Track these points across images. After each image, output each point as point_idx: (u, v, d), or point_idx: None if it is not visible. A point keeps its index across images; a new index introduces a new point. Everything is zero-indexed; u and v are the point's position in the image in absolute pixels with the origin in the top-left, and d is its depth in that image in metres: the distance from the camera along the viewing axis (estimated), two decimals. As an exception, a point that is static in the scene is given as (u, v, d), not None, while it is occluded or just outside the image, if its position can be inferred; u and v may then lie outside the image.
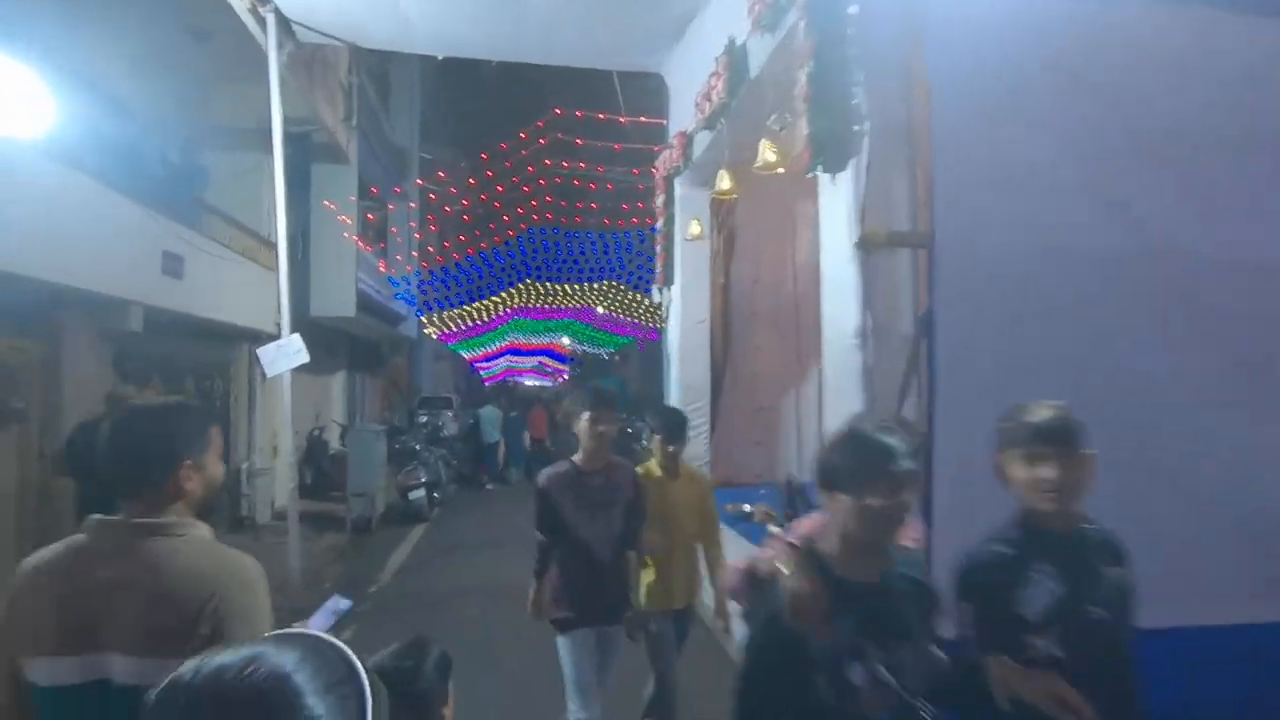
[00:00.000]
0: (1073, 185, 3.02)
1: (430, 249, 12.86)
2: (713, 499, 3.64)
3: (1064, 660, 1.63)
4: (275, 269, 7.29)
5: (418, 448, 10.93)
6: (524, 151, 8.47)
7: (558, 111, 7.79)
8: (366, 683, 0.65)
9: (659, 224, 6.85)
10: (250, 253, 8.30)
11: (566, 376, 34.78)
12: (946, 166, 2.94)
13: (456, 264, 12.40)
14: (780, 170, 4.21)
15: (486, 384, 31.25)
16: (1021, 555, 1.77)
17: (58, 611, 1.28)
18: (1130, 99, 3.20)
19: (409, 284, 13.33)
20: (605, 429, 2.94)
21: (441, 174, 13.58)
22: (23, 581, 1.34)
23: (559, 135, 8.55)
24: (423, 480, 9.56)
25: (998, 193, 2.97)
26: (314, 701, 0.59)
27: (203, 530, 1.40)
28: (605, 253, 13.90)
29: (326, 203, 9.25)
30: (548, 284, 15.63)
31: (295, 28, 6.22)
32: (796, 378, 7.26)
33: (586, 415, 2.90)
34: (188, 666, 0.60)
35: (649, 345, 24.75)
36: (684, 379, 6.61)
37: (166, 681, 0.60)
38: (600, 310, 19.66)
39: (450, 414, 15.88)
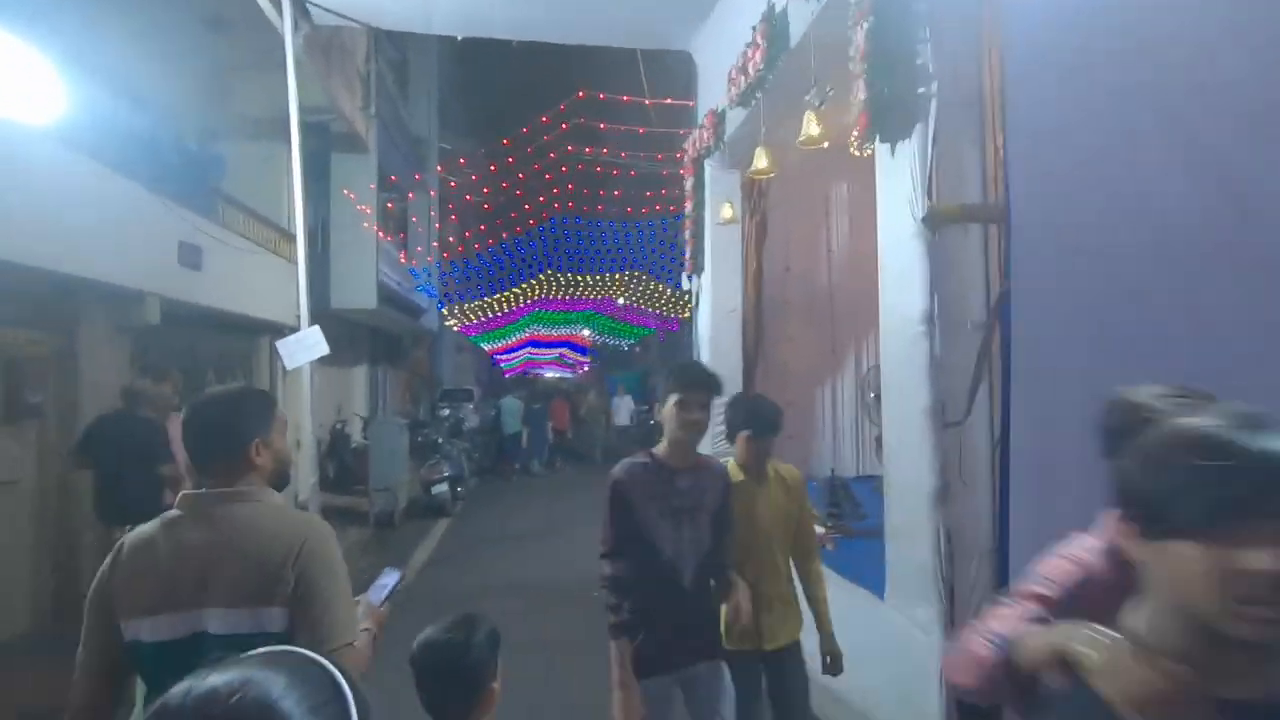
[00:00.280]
0: (1163, 152, 2.71)
1: (451, 239, 12.70)
2: (809, 504, 2.92)
3: None
4: (295, 261, 7.16)
5: (440, 441, 10.79)
6: (546, 137, 8.21)
7: (580, 95, 7.52)
8: (352, 702, 0.67)
9: (688, 208, 6.57)
10: (270, 244, 8.17)
11: (587, 368, 34.68)
12: (1021, 132, 2.64)
13: (477, 254, 12.23)
14: (825, 144, 3.92)
15: (507, 376, 31.24)
16: None
17: (158, 575, 1.42)
18: (1227, 60, 2.87)
19: (430, 275, 13.18)
20: (699, 417, 2.25)
21: (463, 160, 13.36)
22: (125, 553, 1.47)
23: (581, 120, 8.27)
24: (446, 474, 9.41)
25: (1079, 161, 2.66)
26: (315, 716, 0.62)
27: (276, 497, 1.56)
28: (627, 242, 13.66)
29: (346, 192, 9.08)
30: (569, 275, 15.44)
31: (311, 9, 6.02)
32: (831, 370, 6.97)
33: (674, 398, 2.24)
34: (178, 690, 0.62)
35: (669, 336, 24.56)
36: (715, 370, 6.34)
37: (158, 704, 0.62)
38: (621, 301, 19.45)
39: (471, 406, 15.77)
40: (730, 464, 2.65)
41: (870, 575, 3.34)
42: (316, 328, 5.60)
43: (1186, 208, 2.76)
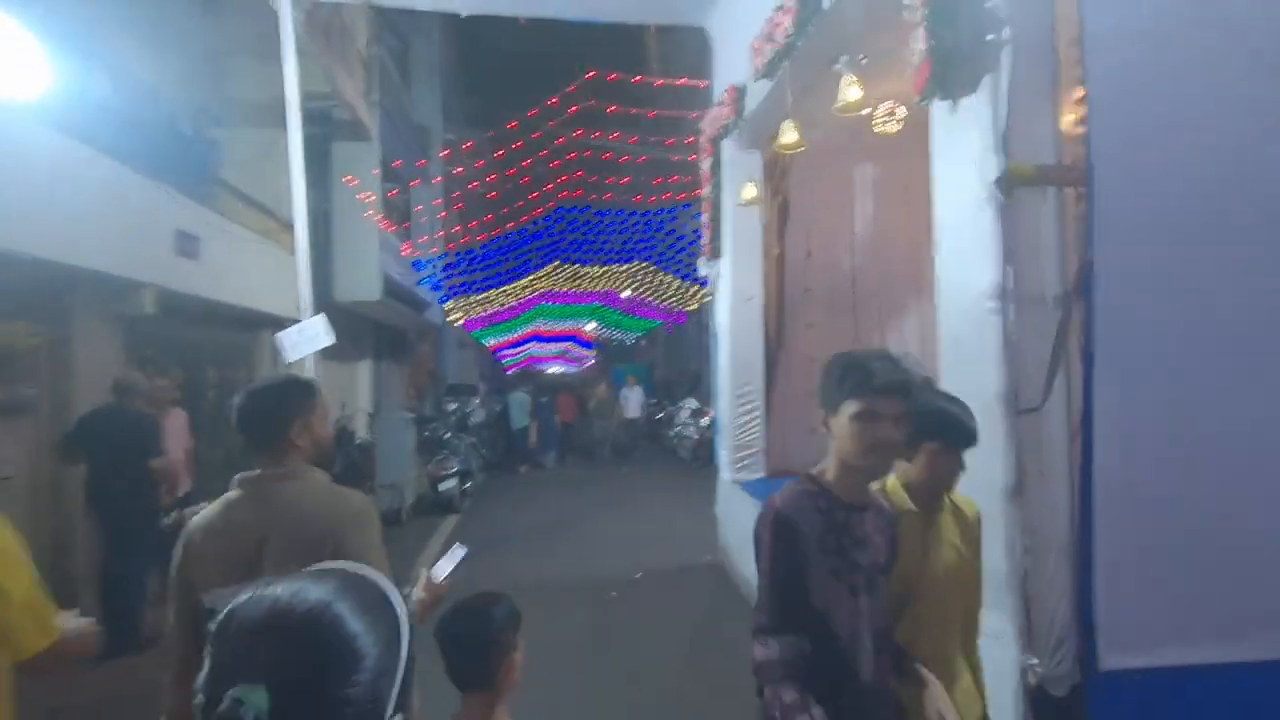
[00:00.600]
0: (1269, 105, 2.43)
1: (457, 229, 12.42)
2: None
3: None
4: (295, 251, 6.91)
5: (448, 436, 10.56)
6: (552, 122, 7.93)
7: (590, 75, 7.23)
8: (400, 610, 0.74)
9: (705, 190, 6.29)
10: (271, 234, 7.90)
11: (591, 363, 34.40)
12: (1105, 84, 2.36)
13: (482, 245, 11.96)
14: (865, 110, 3.65)
15: (509, 372, 30.99)
16: None
17: (220, 549, 1.57)
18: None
19: (434, 268, 12.91)
20: (892, 437, 1.52)
21: (469, 145, 13.07)
22: (193, 531, 1.62)
23: (590, 103, 7.99)
24: (454, 470, 9.17)
25: (1170, 116, 2.39)
26: (353, 623, 0.67)
27: (320, 475, 1.68)
28: (634, 231, 13.38)
29: (348, 178, 8.81)
30: (575, 266, 15.17)
31: (310, -16, 5.74)
32: (855, 357, 6.69)
33: (853, 408, 1.52)
34: (242, 599, 0.70)
35: (676, 328, 24.28)
36: (735, 360, 6.09)
37: (225, 610, 0.69)
38: (626, 294, 19.17)
39: (477, 401, 15.55)
40: (890, 486, 1.86)
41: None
42: (320, 317, 5.35)
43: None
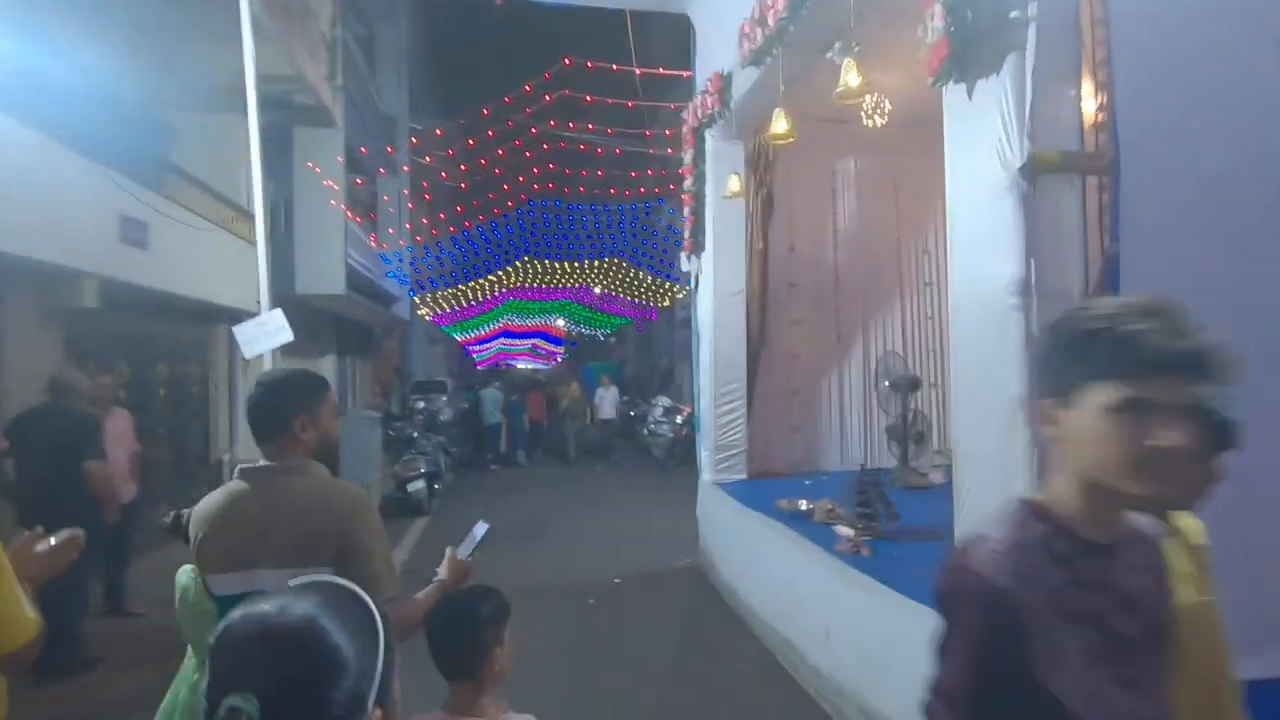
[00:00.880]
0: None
1: (425, 220, 12.02)
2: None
3: None
4: (254, 241, 6.53)
5: (415, 435, 10.21)
6: (528, 110, 7.65)
7: (567, 62, 6.98)
8: (377, 615, 0.81)
9: (687, 182, 6.09)
10: (229, 223, 7.49)
11: (560, 359, 34.06)
12: (1132, 68, 2.22)
13: (452, 239, 11.60)
14: (866, 96, 3.49)
15: (479, 367, 30.50)
16: None
17: (223, 537, 1.61)
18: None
19: (401, 261, 12.50)
20: (1177, 438, 0.90)
21: (439, 131, 12.65)
22: (197, 517, 1.66)
23: (565, 92, 7.73)
24: (422, 470, 8.84)
25: (1202, 102, 2.26)
26: (336, 634, 0.74)
27: (322, 470, 1.69)
28: (607, 226, 13.14)
29: (310, 164, 8.40)
30: (545, 262, 14.88)
31: (269, -44, 5.38)
32: (838, 358, 6.59)
33: (1112, 392, 0.92)
34: (236, 614, 0.76)
35: (647, 325, 24.10)
36: (718, 358, 5.90)
37: (221, 627, 0.75)
38: (598, 290, 18.92)
39: (445, 399, 15.17)
40: None
41: (929, 589, 2.92)
42: (278, 311, 5.02)
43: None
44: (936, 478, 5.69)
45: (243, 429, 8.22)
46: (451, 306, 17.35)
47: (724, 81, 5.25)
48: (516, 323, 25.62)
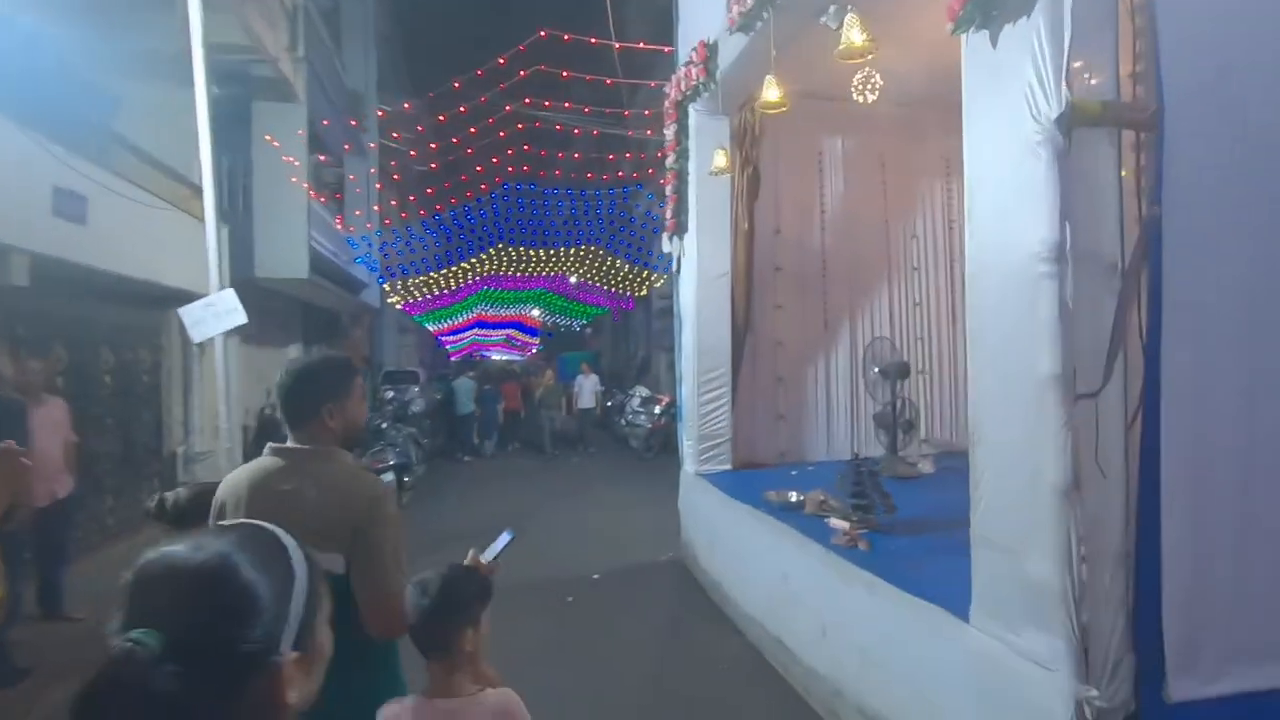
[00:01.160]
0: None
1: (394, 202, 11.57)
2: None
3: None
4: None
5: (384, 426, 9.83)
6: (501, 85, 7.29)
7: (542, 34, 6.63)
8: (297, 560, 0.79)
9: (669, 159, 5.81)
10: (183, 203, 7.01)
11: (535, 350, 33.60)
12: (1175, 15, 2.00)
13: (422, 223, 11.17)
14: (869, 57, 3.24)
15: (452, 358, 29.96)
16: None
17: (254, 508, 1.64)
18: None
19: (370, 245, 12.03)
20: None
21: (407, 105, 12.16)
22: (223, 491, 1.74)
23: (541, 67, 7.38)
24: (391, 462, 8.46)
25: (1248, 56, 2.05)
26: (249, 571, 0.73)
27: (346, 456, 1.79)
28: (584, 212, 12.81)
29: (268, 138, 7.93)
30: (520, 249, 14.51)
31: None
32: (824, 344, 6.37)
33: None
34: (147, 554, 0.74)
35: (624, 315, 23.81)
36: (701, 344, 5.65)
37: (136, 565, 0.73)
38: (574, 279, 18.55)
39: (417, 389, 14.72)
40: None
41: (936, 586, 2.71)
42: (230, 291, 4.65)
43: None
44: (925, 467, 5.52)
45: (200, 419, 7.78)
46: (423, 295, 16.87)
47: (710, 50, 4.98)
48: (491, 313, 25.13)
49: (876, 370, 5.46)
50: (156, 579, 0.71)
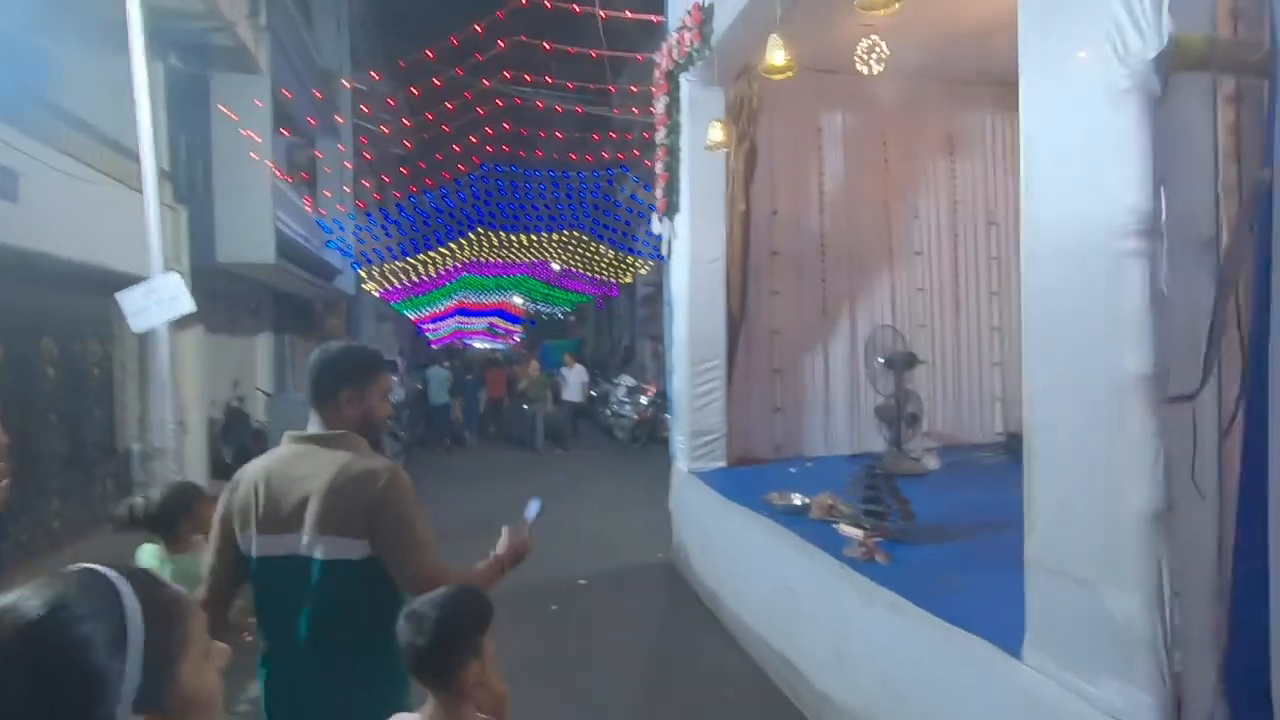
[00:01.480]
0: None
1: (367, 183, 11.02)
2: None
3: None
4: (165, 201, 5.62)
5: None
6: (479, 56, 6.81)
7: (523, 1, 6.16)
8: (130, 610, 0.69)
9: (660, 134, 5.41)
10: (131, 180, 6.47)
11: (518, 338, 33.06)
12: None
13: (398, 206, 10.65)
14: (897, 5, 2.87)
15: (434, 346, 29.38)
16: None
17: (265, 499, 1.68)
18: None
19: (343, 230, 11.48)
20: None
21: (376, 75, 11.58)
22: (241, 479, 1.75)
23: (522, 37, 6.91)
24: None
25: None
26: (77, 630, 0.65)
27: (363, 444, 1.76)
28: (567, 196, 12.37)
29: (222, 108, 7.39)
30: (501, 234, 14.03)
31: None
32: (823, 333, 6.03)
33: None
34: None
35: (608, 302, 23.39)
36: (694, 332, 5.29)
37: None
38: (557, 266, 18.08)
39: (396, 379, 14.25)
40: None
41: (974, 610, 2.38)
42: (174, 276, 4.21)
43: None
44: (930, 462, 5.21)
45: (156, 415, 7.28)
46: (401, 281, 16.32)
47: (705, 14, 4.57)
48: (472, 300, 24.57)
49: (881, 360, 5.13)
50: None
